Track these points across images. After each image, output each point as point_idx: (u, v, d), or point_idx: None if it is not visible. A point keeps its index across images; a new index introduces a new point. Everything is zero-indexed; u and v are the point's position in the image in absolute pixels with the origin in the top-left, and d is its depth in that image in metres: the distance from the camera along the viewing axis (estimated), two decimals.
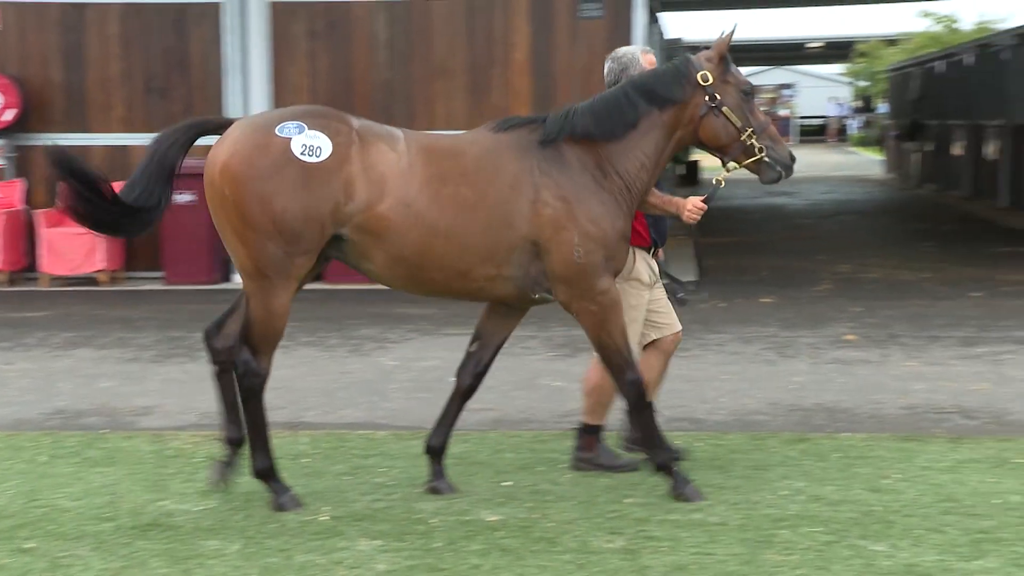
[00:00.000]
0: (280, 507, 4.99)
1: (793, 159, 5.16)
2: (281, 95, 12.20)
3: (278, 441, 6.11)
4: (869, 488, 5.20)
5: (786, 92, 53.99)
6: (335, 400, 7.04)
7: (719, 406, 6.79)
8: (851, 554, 4.43)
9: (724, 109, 5.03)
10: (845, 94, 55.93)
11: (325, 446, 6.04)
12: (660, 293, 5.59)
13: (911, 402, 6.91)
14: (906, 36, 41.47)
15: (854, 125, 50.87)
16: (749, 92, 5.11)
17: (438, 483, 5.25)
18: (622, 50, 5.55)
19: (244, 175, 4.71)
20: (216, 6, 12.13)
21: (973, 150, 21.64)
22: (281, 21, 12.20)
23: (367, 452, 5.91)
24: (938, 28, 38.90)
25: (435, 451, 5.30)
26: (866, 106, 50.86)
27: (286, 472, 5.25)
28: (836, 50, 51.08)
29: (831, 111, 50.86)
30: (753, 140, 5.05)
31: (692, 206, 5.24)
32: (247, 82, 12.13)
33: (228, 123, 4.95)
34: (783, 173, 5.13)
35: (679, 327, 5.66)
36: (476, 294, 5.04)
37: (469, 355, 5.30)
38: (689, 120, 5.06)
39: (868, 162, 34.93)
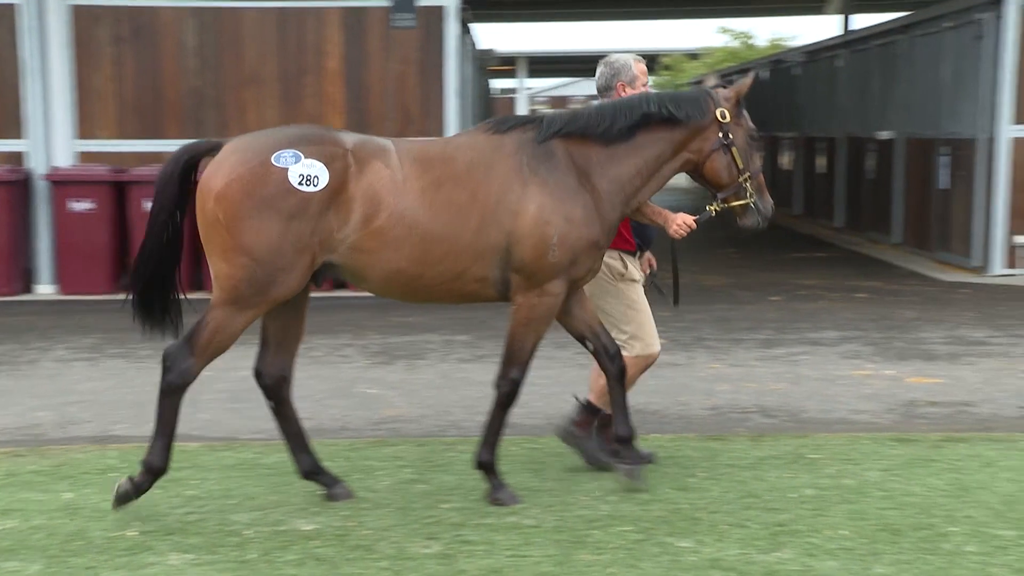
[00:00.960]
0: (120, 500, 4.90)
1: (772, 211, 5.32)
2: (85, 101, 11.78)
3: (84, 456, 5.90)
4: (677, 487, 5.34)
5: (596, 103, 55.13)
6: (146, 412, 6.80)
7: (534, 410, 6.87)
8: (659, 551, 4.54)
9: (733, 149, 5.18)
10: None
11: (135, 459, 5.82)
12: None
13: (715, 403, 7.14)
14: (707, 51, 42.89)
15: None
16: (755, 139, 5.27)
17: (633, 466, 5.25)
18: (615, 56, 5.64)
19: (240, 204, 4.69)
20: (12, 8, 11.61)
21: (770, 161, 22.53)
22: (83, 25, 11.77)
23: (179, 464, 5.74)
24: (736, 44, 40.35)
25: (626, 440, 5.28)
26: None
27: (93, 488, 5.06)
28: None
29: None
30: (748, 184, 5.21)
31: (682, 221, 5.32)
32: (47, 88, 11.66)
33: (218, 145, 4.90)
34: (761, 223, 5.27)
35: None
36: (470, 296, 5.08)
37: (595, 353, 5.26)
38: (698, 149, 5.20)
39: None
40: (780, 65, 22.68)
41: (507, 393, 5.14)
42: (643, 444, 6.02)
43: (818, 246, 15.96)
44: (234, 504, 5.11)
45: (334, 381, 7.68)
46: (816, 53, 20.28)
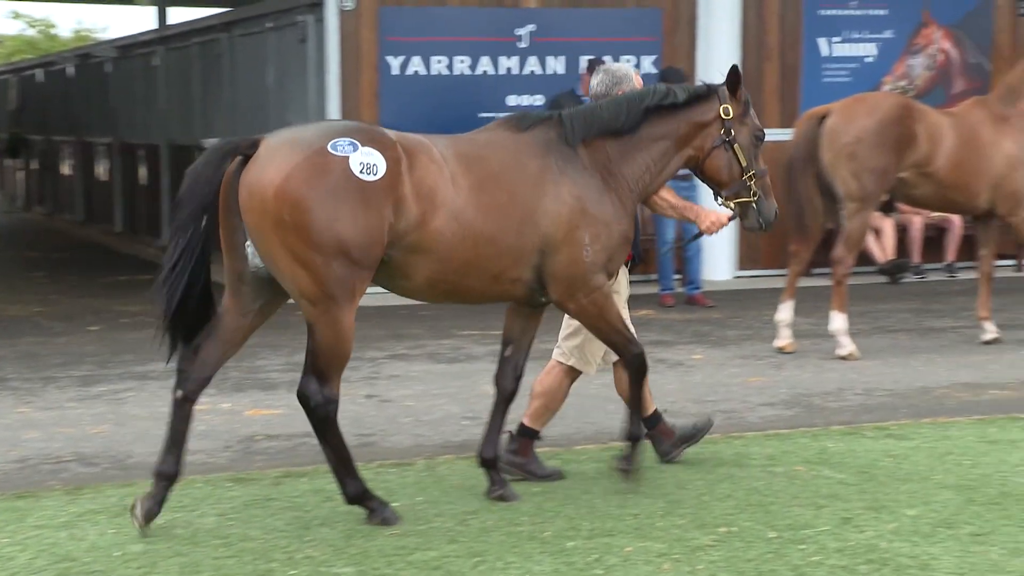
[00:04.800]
0: (385, 521, 5.39)
1: (776, 216, 5.90)
2: None
3: None
4: None
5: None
6: None
7: None
8: None
9: (736, 146, 5.70)
10: None
11: None
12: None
13: (23, 454, 6.86)
14: None
15: None
16: (761, 139, 5.82)
17: (503, 491, 5.77)
18: (616, 65, 6.25)
19: (306, 197, 4.92)
20: None
21: (83, 170, 22.05)
22: None
23: None
24: (34, 32, 39.20)
25: (490, 462, 5.82)
26: None
27: None
28: None
29: None
30: (752, 184, 5.76)
31: (716, 219, 5.94)
32: None
33: (256, 142, 5.10)
34: (763, 225, 5.85)
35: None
36: (500, 296, 5.60)
37: (505, 360, 5.81)
38: (700, 145, 5.73)
39: None
40: (89, 60, 22.27)
41: (638, 366, 5.71)
42: None
43: (142, 268, 15.87)
44: None
45: None
46: (130, 49, 20.20)
